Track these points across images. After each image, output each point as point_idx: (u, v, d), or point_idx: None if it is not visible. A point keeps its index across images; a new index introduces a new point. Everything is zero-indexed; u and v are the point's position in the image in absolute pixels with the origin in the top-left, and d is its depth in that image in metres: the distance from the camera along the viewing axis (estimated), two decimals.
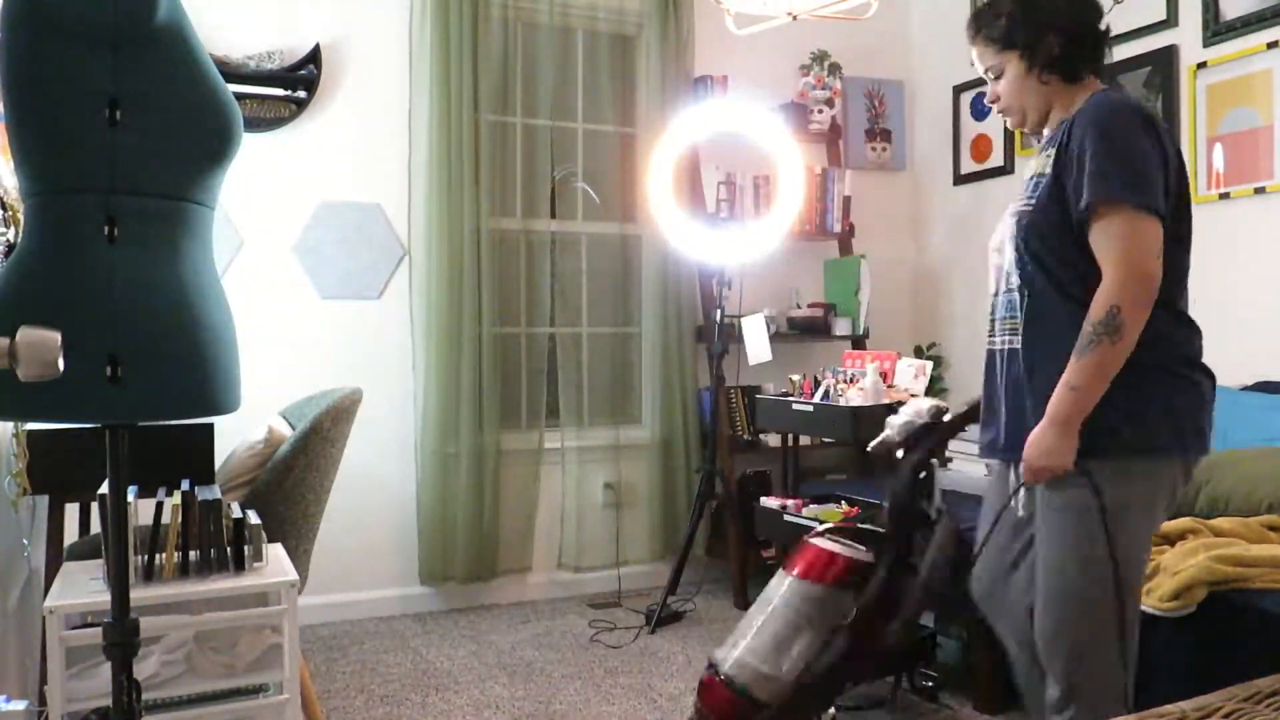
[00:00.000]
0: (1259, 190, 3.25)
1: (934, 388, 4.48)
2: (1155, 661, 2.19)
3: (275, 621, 2.14)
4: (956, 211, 4.55)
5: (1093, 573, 1.73)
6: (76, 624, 2.05)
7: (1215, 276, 3.40)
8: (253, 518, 2.22)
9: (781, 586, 2.17)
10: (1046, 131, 1.92)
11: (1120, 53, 3.69)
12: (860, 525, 2.28)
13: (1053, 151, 1.80)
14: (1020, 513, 1.87)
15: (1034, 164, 1.89)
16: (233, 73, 3.52)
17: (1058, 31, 1.82)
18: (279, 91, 3.59)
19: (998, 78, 1.91)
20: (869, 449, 2.24)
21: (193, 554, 2.14)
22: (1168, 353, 1.76)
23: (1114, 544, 1.70)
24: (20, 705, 1.88)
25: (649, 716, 2.80)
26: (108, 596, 2.01)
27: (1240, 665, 1.98)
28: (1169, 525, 2.45)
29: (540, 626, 3.62)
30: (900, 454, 2.16)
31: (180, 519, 2.11)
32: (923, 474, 2.17)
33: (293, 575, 2.15)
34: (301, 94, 3.61)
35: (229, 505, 2.21)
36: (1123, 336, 1.67)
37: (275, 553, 2.32)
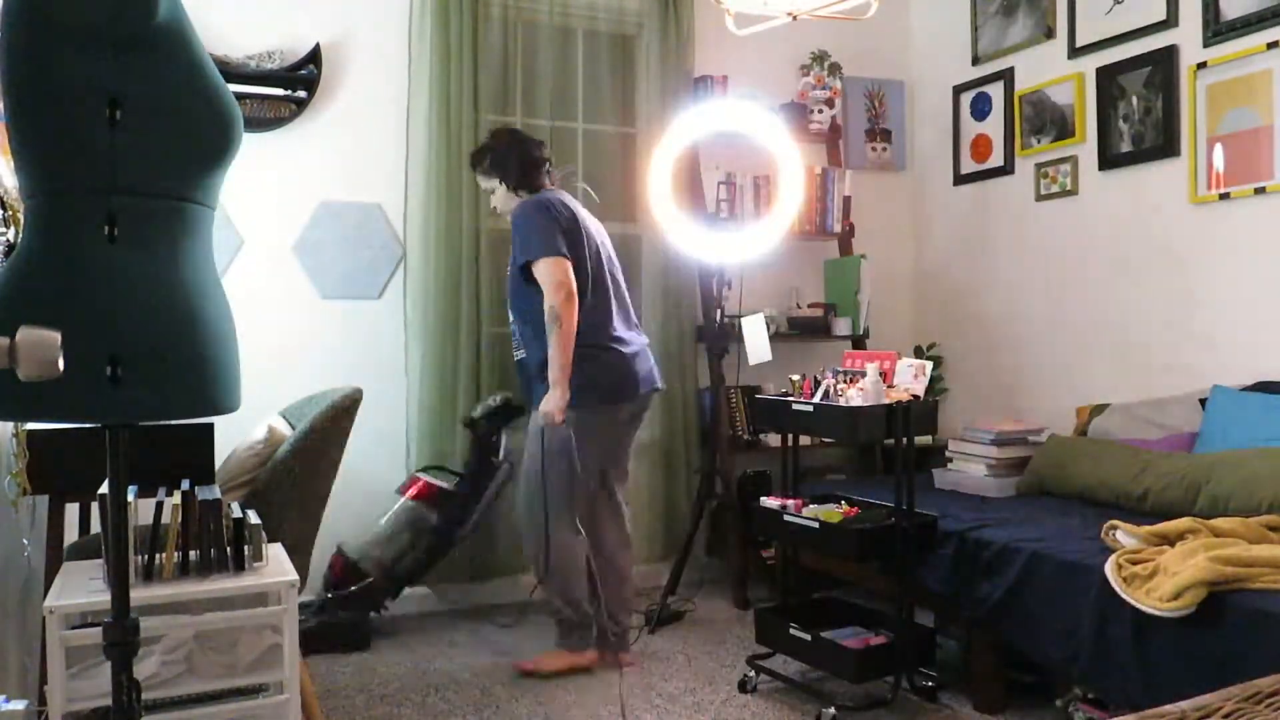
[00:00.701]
0: (1259, 190, 3.25)
1: (934, 387, 4.48)
2: (1155, 661, 2.19)
3: (275, 621, 2.14)
4: (956, 211, 4.55)
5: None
6: (76, 624, 2.05)
7: (1215, 276, 3.40)
8: (253, 518, 2.22)
9: (396, 503, 3.50)
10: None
11: (1120, 53, 3.70)
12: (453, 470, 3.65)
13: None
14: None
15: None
16: (233, 73, 3.52)
17: (512, 166, 3.14)
18: (279, 91, 3.59)
19: (493, 191, 3.18)
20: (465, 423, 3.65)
21: (193, 554, 2.14)
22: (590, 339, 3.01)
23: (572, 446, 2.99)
24: (20, 705, 1.88)
25: (648, 716, 2.80)
26: (108, 596, 2.01)
27: (1240, 665, 1.98)
28: (1169, 525, 2.45)
29: (540, 626, 3.62)
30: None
31: (180, 519, 2.11)
32: (493, 438, 3.58)
33: (293, 575, 2.15)
34: (301, 94, 3.61)
35: (229, 505, 2.21)
36: (563, 324, 2.92)
37: (275, 553, 2.32)
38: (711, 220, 3.91)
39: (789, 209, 3.84)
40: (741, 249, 3.77)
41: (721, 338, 3.78)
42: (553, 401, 2.92)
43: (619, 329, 3.10)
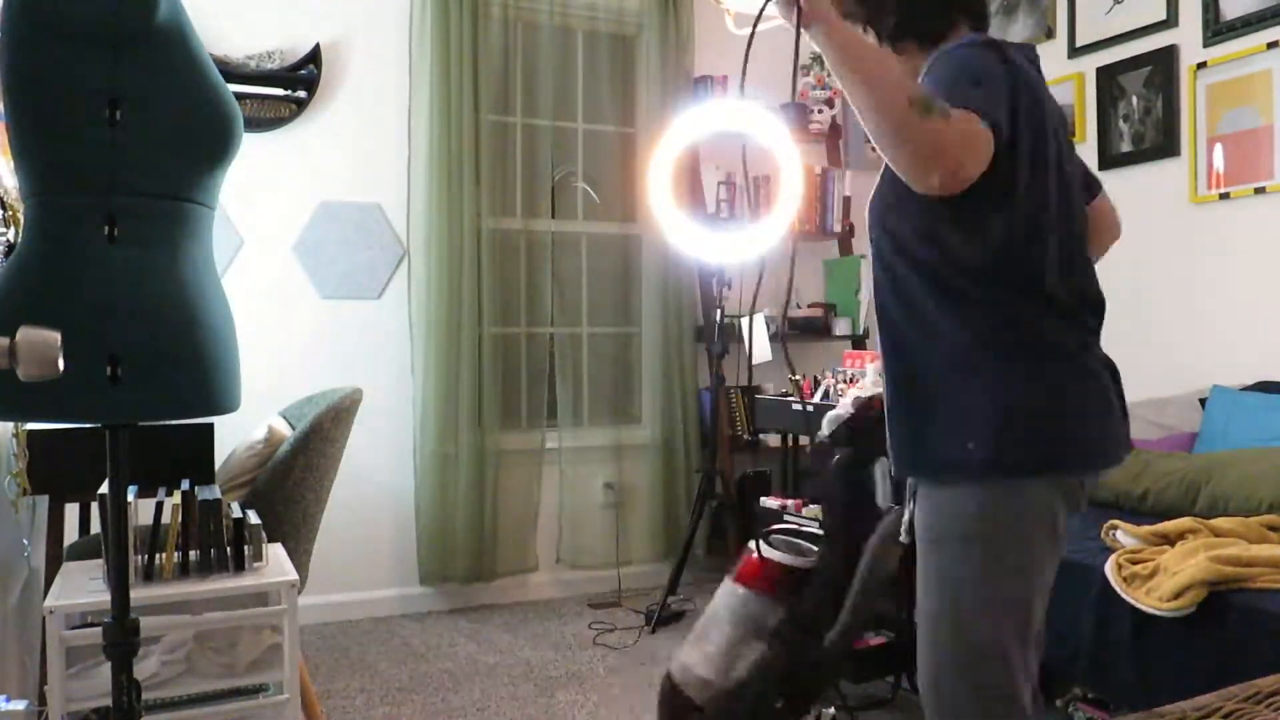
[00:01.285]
0: (1259, 190, 3.25)
1: None
2: (1156, 661, 2.19)
3: (275, 621, 2.14)
4: None
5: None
6: (76, 624, 2.05)
7: (1215, 276, 3.40)
8: (253, 518, 2.22)
9: (722, 591, 2.06)
10: None
11: (1120, 53, 3.69)
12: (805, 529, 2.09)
13: None
14: None
15: None
16: (233, 73, 3.52)
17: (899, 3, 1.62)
18: (279, 91, 3.59)
19: None
20: (808, 449, 2.18)
21: (193, 554, 2.14)
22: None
23: None
24: (20, 705, 1.88)
25: (648, 717, 2.80)
26: (108, 596, 2.01)
27: (1240, 665, 1.98)
28: (1169, 525, 2.45)
29: (540, 626, 3.62)
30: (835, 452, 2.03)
31: (180, 519, 2.11)
32: (861, 468, 1.99)
33: (293, 575, 2.15)
34: (301, 94, 3.61)
35: (229, 505, 2.21)
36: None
37: (275, 553, 2.32)
38: (711, 220, 3.91)
39: (789, 209, 3.83)
40: (741, 249, 3.77)
41: (721, 338, 3.78)
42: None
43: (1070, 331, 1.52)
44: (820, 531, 2.06)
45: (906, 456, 1.55)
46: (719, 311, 3.76)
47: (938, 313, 1.48)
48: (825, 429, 2.09)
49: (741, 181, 4.13)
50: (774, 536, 2.08)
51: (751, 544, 2.01)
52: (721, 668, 1.96)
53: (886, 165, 1.47)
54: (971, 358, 1.46)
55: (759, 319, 3.73)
